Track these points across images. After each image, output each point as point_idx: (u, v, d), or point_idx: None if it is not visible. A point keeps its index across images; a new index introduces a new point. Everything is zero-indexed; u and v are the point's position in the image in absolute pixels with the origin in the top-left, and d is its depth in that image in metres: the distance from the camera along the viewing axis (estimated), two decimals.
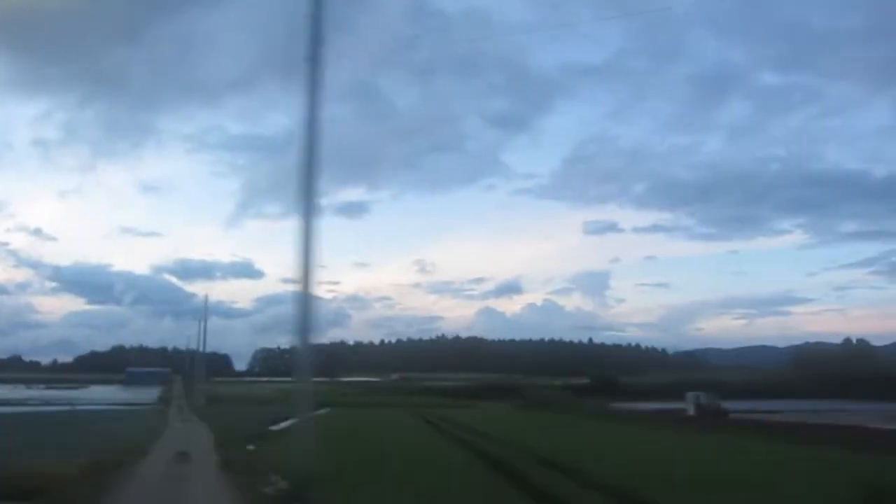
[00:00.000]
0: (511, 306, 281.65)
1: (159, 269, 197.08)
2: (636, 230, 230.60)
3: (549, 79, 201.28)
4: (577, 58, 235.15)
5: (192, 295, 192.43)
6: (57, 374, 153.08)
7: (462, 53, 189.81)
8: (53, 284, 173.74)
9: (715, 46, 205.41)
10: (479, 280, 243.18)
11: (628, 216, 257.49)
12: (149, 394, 79.14)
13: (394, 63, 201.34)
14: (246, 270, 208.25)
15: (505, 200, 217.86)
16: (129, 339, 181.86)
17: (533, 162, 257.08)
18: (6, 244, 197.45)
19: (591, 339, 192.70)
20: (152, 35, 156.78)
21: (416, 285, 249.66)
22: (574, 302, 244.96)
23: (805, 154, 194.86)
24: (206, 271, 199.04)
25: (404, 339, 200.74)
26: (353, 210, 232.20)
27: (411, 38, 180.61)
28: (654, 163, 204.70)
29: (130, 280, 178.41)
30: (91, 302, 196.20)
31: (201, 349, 75.80)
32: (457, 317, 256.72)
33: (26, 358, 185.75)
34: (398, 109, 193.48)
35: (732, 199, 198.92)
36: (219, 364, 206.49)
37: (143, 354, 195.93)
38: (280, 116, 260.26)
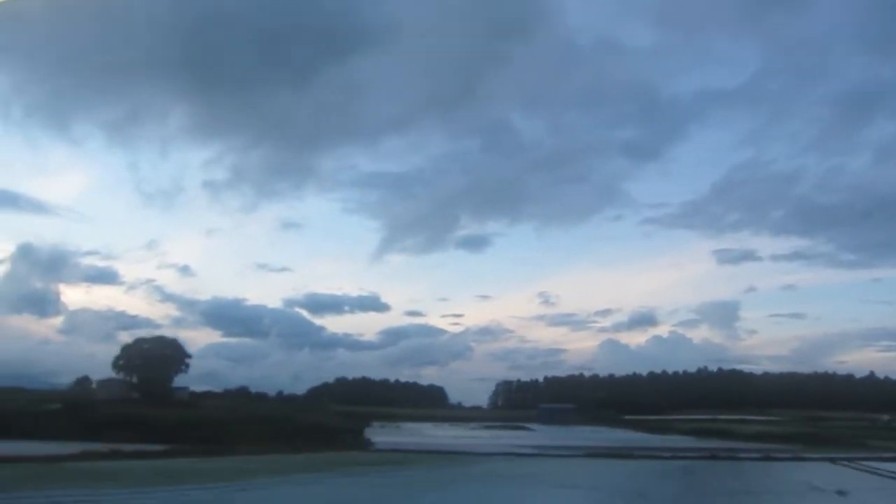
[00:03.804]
0: (635, 338, 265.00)
1: (291, 303, 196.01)
2: (774, 258, 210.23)
3: (681, 105, 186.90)
4: (712, 83, 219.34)
5: (321, 328, 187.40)
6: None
7: (593, 83, 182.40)
8: (193, 318, 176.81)
9: (860, 62, 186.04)
10: (604, 312, 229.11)
11: (764, 243, 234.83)
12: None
13: (527, 95, 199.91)
14: (372, 304, 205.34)
15: (632, 231, 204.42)
16: (268, 371, 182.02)
17: (662, 191, 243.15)
18: (153, 280, 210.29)
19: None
20: (318, 78, 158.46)
21: (539, 317, 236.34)
22: (702, 334, 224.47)
23: None
24: (334, 305, 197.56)
25: (630, 373, 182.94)
26: (476, 243, 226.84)
27: (545, 70, 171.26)
28: (793, 187, 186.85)
29: (264, 313, 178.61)
30: (227, 335, 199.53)
31: None
32: (579, 349, 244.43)
33: (253, 389, 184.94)
34: (529, 141, 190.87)
35: (877, 224, 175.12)
36: (436, 397, 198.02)
37: (369, 385, 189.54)
38: (415, 155, 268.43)
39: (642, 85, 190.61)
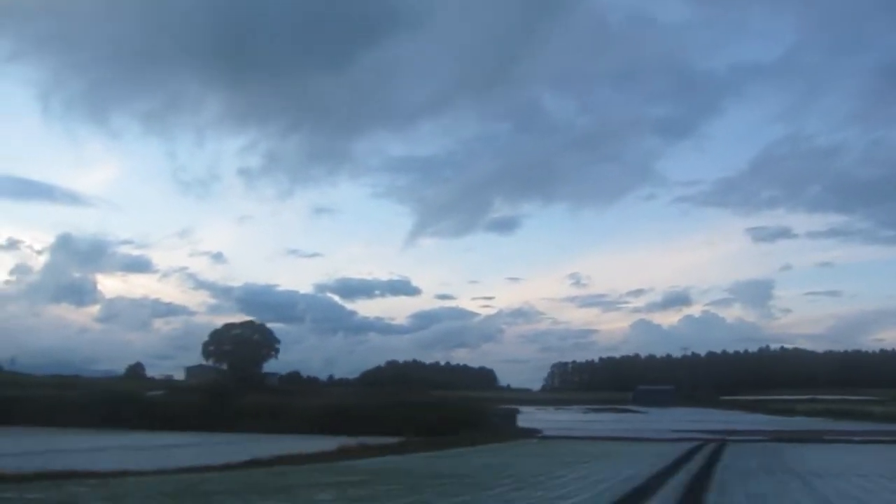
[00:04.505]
0: (667, 318, 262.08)
1: (322, 288, 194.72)
2: (810, 235, 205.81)
3: (716, 81, 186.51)
4: (748, 57, 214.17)
5: (353, 312, 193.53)
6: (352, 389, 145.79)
7: (626, 60, 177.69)
8: (226, 304, 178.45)
9: None
10: (636, 293, 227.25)
11: (800, 220, 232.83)
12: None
13: (560, 75, 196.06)
14: (403, 287, 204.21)
15: (665, 210, 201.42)
16: (302, 355, 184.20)
17: (696, 169, 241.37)
18: (186, 268, 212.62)
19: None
20: (352, 63, 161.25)
21: (571, 299, 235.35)
22: (735, 313, 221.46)
23: None
24: (364, 289, 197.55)
25: (679, 353, 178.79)
26: (506, 225, 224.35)
27: (578, 49, 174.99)
28: (833, 162, 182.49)
29: (296, 299, 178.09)
30: (259, 320, 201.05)
31: None
32: (611, 330, 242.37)
33: (304, 374, 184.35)
34: (561, 122, 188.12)
35: None
36: (487, 379, 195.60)
37: (421, 369, 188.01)
38: (446, 138, 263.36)
39: (676, 61, 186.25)
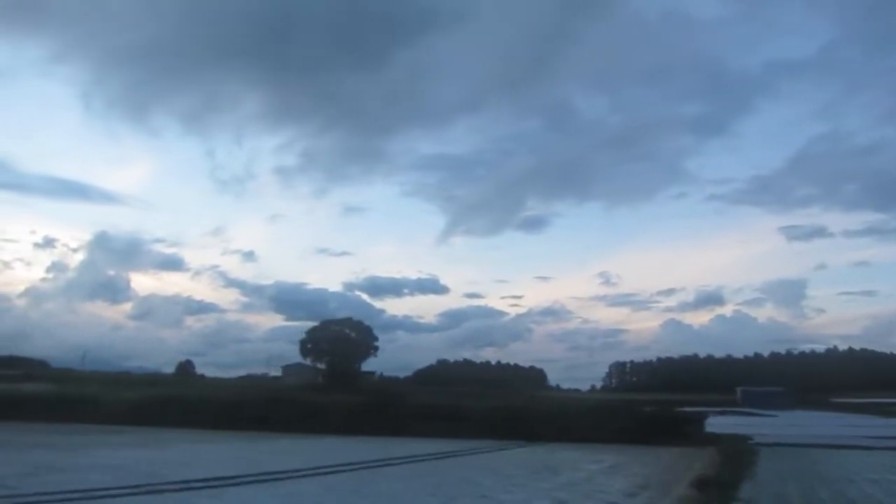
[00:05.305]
0: (698, 318, 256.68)
1: (351, 287, 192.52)
2: (846, 234, 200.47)
3: (750, 78, 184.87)
4: (782, 53, 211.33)
5: (381, 311, 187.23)
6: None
7: (660, 58, 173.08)
8: (256, 302, 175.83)
9: None
10: (666, 292, 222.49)
11: (836, 219, 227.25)
12: None
13: (594, 73, 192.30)
14: (432, 286, 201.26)
15: (697, 208, 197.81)
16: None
17: (729, 167, 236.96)
18: (218, 266, 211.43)
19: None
20: (388, 62, 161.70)
21: (600, 298, 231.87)
22: (767, 313, 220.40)
23: None
24: (393, 288, 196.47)
25: (750, 353, 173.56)
26: (535, 224, 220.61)
27: (612, 47, 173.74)
28: (870, 160, 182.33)
29: (326, 297, 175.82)
30: (289, 319, 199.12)
31: None
32: (640, 329, 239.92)
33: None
34: (594, 120, 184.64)
35: None
36: (538, 379, 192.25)
37: (471, 368, 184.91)
38: (478, 136, 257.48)
39: (709, 58, 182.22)
